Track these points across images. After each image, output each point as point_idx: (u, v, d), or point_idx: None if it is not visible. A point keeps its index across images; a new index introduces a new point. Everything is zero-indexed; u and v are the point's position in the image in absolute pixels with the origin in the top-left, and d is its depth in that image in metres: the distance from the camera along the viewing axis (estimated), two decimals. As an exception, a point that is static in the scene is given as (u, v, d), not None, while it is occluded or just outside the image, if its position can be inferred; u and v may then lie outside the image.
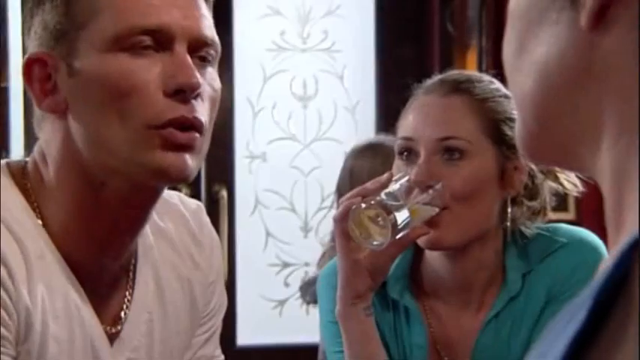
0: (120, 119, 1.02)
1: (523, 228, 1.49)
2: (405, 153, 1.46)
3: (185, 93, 1.03)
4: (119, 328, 1.13)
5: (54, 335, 1.05)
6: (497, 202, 1.46)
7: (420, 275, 1.52)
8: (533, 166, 1.48)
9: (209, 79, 1.06)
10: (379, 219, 1.30)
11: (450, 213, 1.41)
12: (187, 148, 1.04)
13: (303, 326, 3.31)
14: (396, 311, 1.51)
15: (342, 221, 1.35)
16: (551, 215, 1.55)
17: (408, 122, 1.48)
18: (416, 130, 1.45)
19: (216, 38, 1.08)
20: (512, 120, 1.45)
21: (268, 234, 3.53)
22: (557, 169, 1.50)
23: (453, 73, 1.52)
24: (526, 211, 1.49)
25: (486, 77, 1.51)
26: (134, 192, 1.07)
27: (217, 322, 1.27)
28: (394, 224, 1.29)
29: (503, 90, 1.48)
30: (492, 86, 1.48)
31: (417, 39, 3.68)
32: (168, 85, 1.02)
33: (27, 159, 1.12)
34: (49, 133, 1.08)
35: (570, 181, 1.51)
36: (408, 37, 3.67)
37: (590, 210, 3.97)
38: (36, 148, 1.11)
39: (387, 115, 3.59)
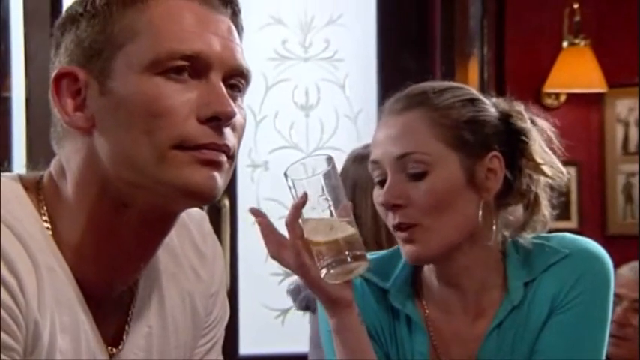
0: (148, 138, 1.02)
1: (521, 240, 1.49)
2: (378, 179, 1.47)
3: (220, 121, 1.04)
4: (121, 343, 1.12)
5: (61, 348, 1.05)
6: (476, 207, 1.45)
7: (420, 283, 1.52)
8: (530, 178, 1.47)
9: (239, 108, 1.07)
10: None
11: (422, 228, 1.42)
12: (216, 165, 1.04)
13: (306, 336, 3.31)
14: (397, 319, 1.51)
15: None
16: (553, 224, 1.54)
17: (373, 146, 1.49)
18: (379, 154, 1.47)
19: (250, 68, 1.09)
20: (472, 123, 1.44)
21: (270, 243, 3.54)
22: (539, 160, 1.46)
23: (412, 87, 1.51)
24: (523, 219, 1.49)
25: (446, 84, 1.50)
26: (155, 216, 1.08)
27: (219, 332, 1.26)
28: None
29: (465, 94, 1.47)
30: (449, 94, 1.47)
31: (418, 48, 3.68)
32: (203, 111, 1.03)
33: (42, 173, 1.12)
34: (70, 149, 1.07)
35: (556, 172, 1.49)
36: (410, 46, 3.67)
37: (593, 219, 3.97)
38: (54, 163, 1.11)
39: (389, 124, 3.60)
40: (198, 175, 1.03)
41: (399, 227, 1.43)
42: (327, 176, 1.34)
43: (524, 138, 1.47)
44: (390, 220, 1.44)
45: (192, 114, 1.03)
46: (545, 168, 1.47)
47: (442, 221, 1.42)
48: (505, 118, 1.48)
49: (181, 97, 1.03)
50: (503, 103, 1.50)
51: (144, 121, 1.02)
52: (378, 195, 1.46)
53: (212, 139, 1.03)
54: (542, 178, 1.48)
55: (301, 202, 1.34)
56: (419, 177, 1.42)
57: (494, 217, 1.47)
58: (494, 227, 1.47)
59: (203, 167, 1.03)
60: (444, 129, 1.43)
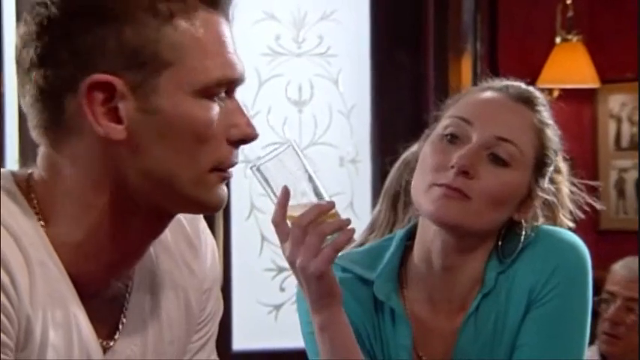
0: (192, 161, 1.05)
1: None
2: (451, 136, 1.44)
3: (244, 142, 1.08)
4: (115, 338, 1.12)
5: (53, 344, 1.05)
6: (507, 218, 1.47)
7: (406, 274, 1.52)
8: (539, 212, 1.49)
9: None
10: None
11: (471, 203, 1.41)
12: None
13: (299, 331, 3.31)
14: (380, 312, 1.51)
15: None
16: (543, 221, 1.55)
17: (469, 106, 1.47)
18: (477, 117, 1.45)
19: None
20: (556, 152, 1.47)
21: (264, 239, 3.54)
22: (562, 211, 1.53)
23: (524, 85, 1.52)
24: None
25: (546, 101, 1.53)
26: (161, 219, 1.10)
27: (213, 328, 1.26)
28: None
29: (556, 126, 1.51)
30: (550, 114, 1.51)
31: (412, 43, 3.68)
32: (233, 134, 1.07)
33: (30, 170, 1.10)
34: (80, 149, 1.05)
35: (566, 225, 1.54)
36: (403, 41, 3.68)
37: (585, 214, 3.96)
38: (44, 160, 1.08)
39: (383, 119, 3.60)
40: (222, 192, 1.09)
41: (453, 189, 1.41)
42: (288, 155, 1.33)
43: (560, 186, 1.52)
44: (446, 178, 1.41)
45: (224, 136, 1.07)
46: (560, 218, 1.53)
47: (490, 210, 1.43)
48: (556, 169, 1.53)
49: (219, 120, 1.06)
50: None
51: (191, 145, 1.04)
52: (446, 149, 1.43)
53: (236, 159, 1.09)
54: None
55: (285, 200, 1.33)
56: (500, 164, 1.43)
57: (503, 227, 1.49)
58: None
59: (224, 184, 1.08)
60: (540, 142, 1.46)
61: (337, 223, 1.33)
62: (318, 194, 1.34)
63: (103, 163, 1.05)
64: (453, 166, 1.41)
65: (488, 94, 1.48)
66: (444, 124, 1.46)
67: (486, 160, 1.42)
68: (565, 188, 1.53)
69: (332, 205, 1.33)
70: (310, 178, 1.34)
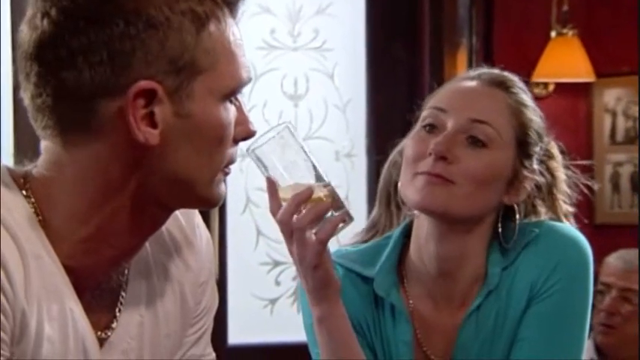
0: (211, 161, 1.08)
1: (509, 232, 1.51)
2: (429, 126, 1.46)
3: (245, 140, 1.12)
4: (110, 332, 1.13)
5: (48, 337, 1.05)
6: (496, 204, 1.47)
7: (405, 271, 1.52)
8: (537, 188, 1.51)
9: None
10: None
11: (454, 187, 1.42)
12: None
13: (294, 325, 3.31)
14: (380, 307, 1.51)
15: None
16: (545, 211, 1.56)
17: (444, 96, 1.49)
18: (451, 105, 1.47)
19: None
20: (536, 132, 1.48)
21: (259, 233, 3.54)
22: (560, 197, 1.53)
23: (497, 70, 1.55)
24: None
25: (524, 87, 1.54)
26: (162, 215, 1.12)
27: (208, 322, 1.27)
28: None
29: (537, 108, 1.52)
30: (529, 97, 1.52)
31: (407, 37, 3.68)
32: (239, 134, 1.11)
33: (28, 167, 1.10)
34: (102, 151, 1.05)
35: (566, 214, 1.54)
36: (399, 35, 3.67)
37: (580, 208, 3.97)
38: (53, 158, 1.07)
39: (378, 113, 3.60)
40: (222, 188, 1.12)
41: (434, 175, 1.42)
42: (285, 137, 1.34)
43: (555, 173, 1.54)
44: (426, 165, 1.43)
45: (232, 134, 1.10)
46: (559, 207, 1.54)
47: (474, 193, 1.43)
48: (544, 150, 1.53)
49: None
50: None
51: (213, 147, 1.07)
52: (424, 139, 1.45)
53: (236, 156, 1.12)
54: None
55: (273, 191, 1.36)
56: (478, 146, 1.44)
57: (497, 220, 1.50)
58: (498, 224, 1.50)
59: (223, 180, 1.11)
60: (519, 122, 1.47)
61: (314, 211, 1.32)
62: (317, 176, 1.34)
63: (124, 166, 1.05)
64: (430, 153, 1.42)
65: (462, 82, 1.51)
66: (422, 116, 1.49)
67: (465, 143, 1.44)
68: (561, 174, 1.54)
69: (310, 192, 1.32)
70: (307, 159, 1.34)
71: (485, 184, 1.44)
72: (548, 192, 1.53)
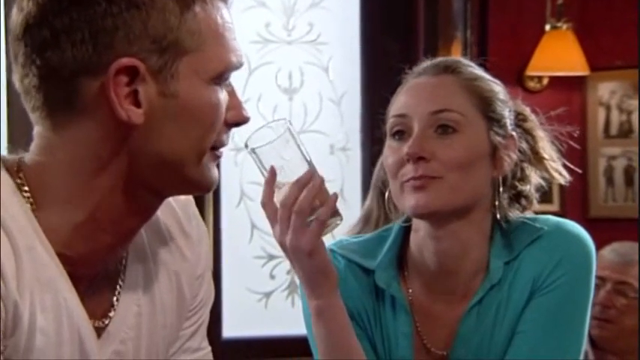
0: (199, 143, 1.08)
1: (509, 214, 1.51)
2: (398, 133, 1.47)
3: (238, 125, 1.12)
4: (108, 321, 1.13)
5: (41, 328, 1.05)
6: (488, 182, 1.48)
7: (406, 263, 1.53)
8: (521, 153, 1.52)
9: None
10: None
11: (442, 181, 1.43)
12: None
13: (289, 318, 3.31)
14: (381, 300, 1.52)
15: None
16: (535, 207, 1.56)
17: (400, 102, 1.50)
18: (409, 107, 1.48)
19: None
20: (499, 99, 1.49)
21: (254, 226, 3.53)
22: (545, 156, 1.54)
23: (440, 58, 1.56)
24: (513, 196, 1.51)
25: (473, 63, 1.55)
26: (157, 202, 1.12)
27: (204, 315, 1.27)
28: None
29: (490, 76, 1.53)
30: (478, 70, 1.53)
31: (402, 31, 3.68)
32: (231, 117, 1.11)
33: (20, 155, 1.10)
34: (89, 131, 1.05)
35: (557, 170, 1.54)
36: (394, 29, 3.67)
37: (574, 201, 3.99)
38: (44, 142, 1.08)
39: (373, 106, 3.60)
40: (215, 172, 1.11)
41: (418, 179, 1.43)
42: (286, 139, 1.35)
43: (533, 133, 1.54)
44: (408, 172, 1.44)
45: (222, 118, 1.10)
46: (548, 164, 1.54)
47: (463, 179, 1.44)
48: (516, 113, 1.54)
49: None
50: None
51: (202, 128, 1.07)
52: (397, 147, 1.46)
53: (228, 139, 1.12)
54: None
55: (272, 179, 1.35)
56: (449, 133, 1.44)
57: (494, 197, 1.50)
58: (490, 210, 1.49)
59: (216, 165, 1.11)
60: (479, 97, 1.48)
61: (317, 195, 1.35)
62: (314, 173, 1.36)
63: (113, 145, 1.06)
64: (408, 159, 1.44)
65: (411, 83, 1.52)
66: (388, 127, 1.51)
67: (435, 136, 1.45)
68: (539, 132, 1.55)
69: (310, 175, 1.34)
70: (305, 158, 1.35)
71: (469, 166, 1.45)
72: (533, 153, 1.54)
